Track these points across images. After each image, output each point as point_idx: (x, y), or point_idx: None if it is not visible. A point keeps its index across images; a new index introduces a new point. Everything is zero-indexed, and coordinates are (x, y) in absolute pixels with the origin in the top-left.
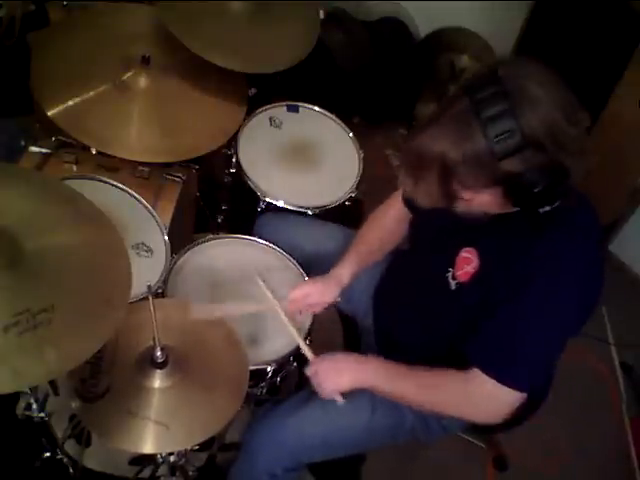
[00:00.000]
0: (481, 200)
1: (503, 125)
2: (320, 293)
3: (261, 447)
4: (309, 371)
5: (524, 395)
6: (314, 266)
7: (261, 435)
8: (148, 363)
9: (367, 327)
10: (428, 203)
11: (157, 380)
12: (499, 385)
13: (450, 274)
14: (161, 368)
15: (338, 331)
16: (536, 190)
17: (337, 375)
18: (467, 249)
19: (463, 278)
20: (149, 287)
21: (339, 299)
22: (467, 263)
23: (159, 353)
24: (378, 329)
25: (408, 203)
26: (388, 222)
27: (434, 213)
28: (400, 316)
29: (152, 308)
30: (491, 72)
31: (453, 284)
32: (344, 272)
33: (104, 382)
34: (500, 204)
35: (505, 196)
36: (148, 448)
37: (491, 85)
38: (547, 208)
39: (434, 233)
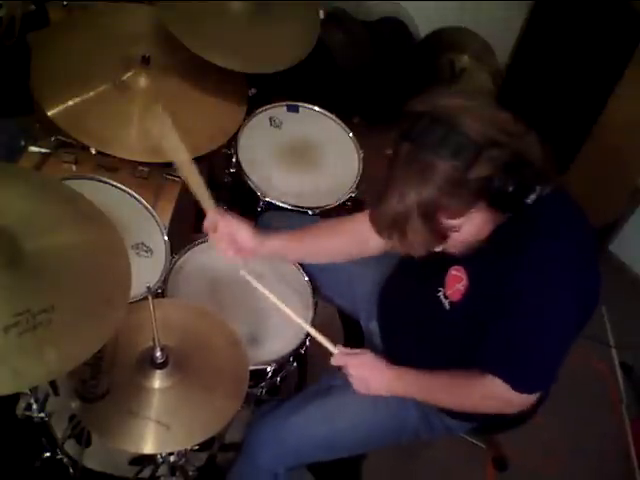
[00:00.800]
0: (472, 223)
1: (452, 142)
2: (225, 224)
3: (263, 445)
4: (338, 361)
5: (536, 396)
6: (314, 266)
7: (263, 433)
8: (148, 363)
9: (372, 330)
10: (424, 250)
11: (157, 380)
12: (513, 391)
13: (441, 293)
14: (161, 368)
15: (338, 331)
16: (514, 185)
17: (371, 381)
18: (455, 267)
19: (455, 297)
20: (148, 288)
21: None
22: (457, 282)
23: (159, 353)
24: (384, 335)
25: None
26: (337, 227)
27: None
28: (402, 327)
29: (152, 308)
30: (413, 115)
31: (447, 303)
32: (268, 238)
33: (104, 383)
34: (490, 219)
35: (490, 207)
36: (148, 448)
37: (419, 121)
38: (533, 197)
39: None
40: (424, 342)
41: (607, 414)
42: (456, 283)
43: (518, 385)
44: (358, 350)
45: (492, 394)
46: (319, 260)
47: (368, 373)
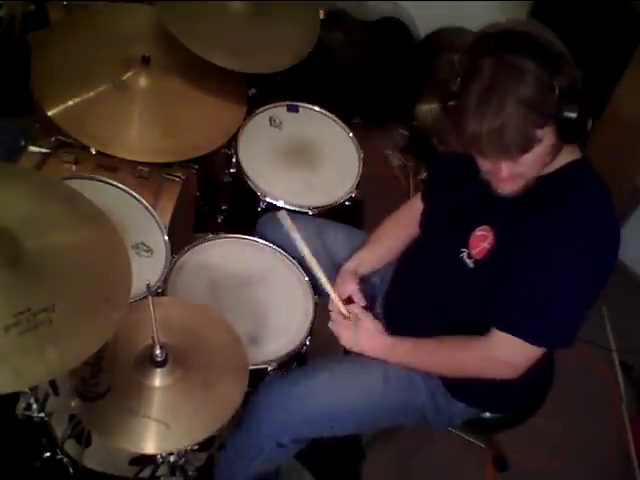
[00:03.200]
0: (539, 149)
1: (536, 49)
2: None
3: (268, 412)
4: (338, 325)
5: (541, 349)
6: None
7: (269, 400)
8: (148, 362)
9: (376, 317)
10: (504, 169)
11: (157, 379)
12: (516, 340)
13: (465, 254)
14: (161, 367)
15: None
16: (578, 111)
17: (366, 345)
18: (481, 227)
19: (479, 255)
20: (148, 286)
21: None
22: (482, 240)
23: (158, 352)
24: (389, 317)
25: (424, 194)
26: (403, 220)
27: (444, 200)
28: (414, 303)
29: (152, 307)
30: (486, 36)
31: (470, 262)
32: (356, 263)
33: (105, 381)
34: (550, 151)
35: (557, 133)
36: (148, 447)
37: (497, 37)
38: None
39: (444, 218)
40: (438, 307)
41: (607, 414)
42: (481, 242)
43: (519, 332)
44: (358, 311)
45: (493, 354)
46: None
47: (363, 342)
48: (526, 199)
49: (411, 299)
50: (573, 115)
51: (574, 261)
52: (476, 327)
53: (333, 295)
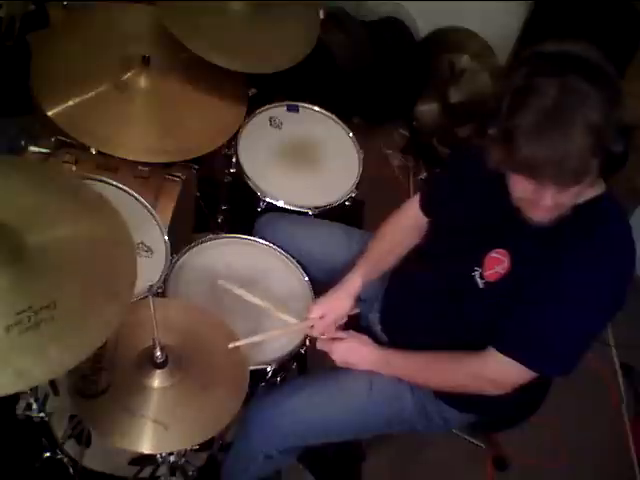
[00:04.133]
0: (590, 177)
1: (600, 75)
2: (333, 310)
3: (257, 426)
4: (323, 346)
5: (534, 374)
6: (314, 266)
7: (258, 414)
8: (148, 362)
9: (372, 320)
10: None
11: (157, 380)
12: (513, 362)
13: (477, 273)
14: (161, 368)
15: None
16: (622, 148)
17: (354, 359)
18: (498, 250)
19: (492, 278)
20: (150, 287)
21: (357, 310)
22: (497, 264)
23: (159, 353)
24: (387, 322)
25: (426, 207)
26: (400, 230)
27: (455, 215)
28: (413, 313)
29: (152, 308)
30: (548, 55)
31: (480, 283)
32: (355, 281)
33: (104, 379)
34: (588, 185)
35: (599, 167)
36: (146, 447)
37: (562, 58)
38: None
39: (456, 235)
40: (438, 320)
41: (607, 414)
42: (495, 265)
43: (534, 363)
44: (342, 334)
45: (485, 372)
46: (396, 261)
47: (352, 358)
48: (550, 228)
49: (410, 309)
50: (620, 149)
51: (591, 296)
52: (473, 343)
53: (317, 335)
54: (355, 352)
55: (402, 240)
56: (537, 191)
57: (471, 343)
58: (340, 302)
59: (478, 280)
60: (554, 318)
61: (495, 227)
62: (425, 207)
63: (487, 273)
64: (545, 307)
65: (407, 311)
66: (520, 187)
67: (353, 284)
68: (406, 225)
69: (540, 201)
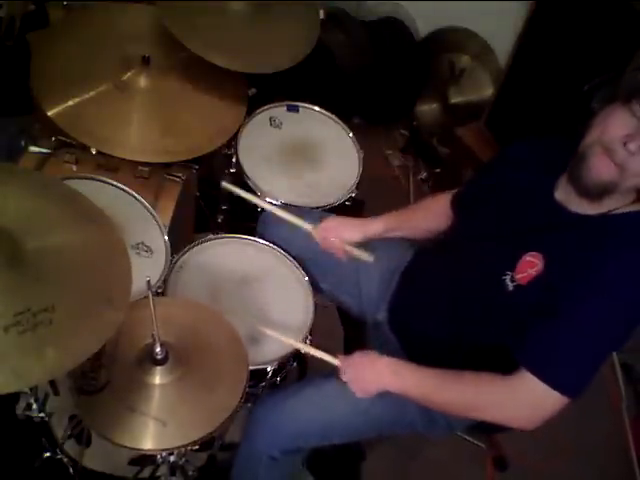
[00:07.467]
0: None
1: None
2: (338, 228)
3: (260, 428)
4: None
5: (568, 400)
6: (314, 266)
7: (261, 416)
8: (148, 359)
9: (379, 320)
10: None
11: (157, 376)
12: (551, 390)
13: (508, 277)
14: (161, 365)
15: (338, 330)
16: None
17: (366, 380)
18: (532, 253)
19: (523, 281)
20: (148, 282)
21: (371, 259)
22: (530, 267)
23: (159, 349)
24: (396, 321)
25: (458, 203)
26: (440, 205)
27: (485, 221)
28: (427, 313)
29: (152, 305)
30: None
31: (510, 285)
32: (375, 224)
33: (104, 376)
34: None
35: None
36: (146, 444)
37: None
38: None
39: (484, 239)
40: (455, 322)
41: (607, 414)
42: (529, 268)
43: (558, 382)
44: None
45: (522, 393)
46: (415, 235)
47: (362, 373)
48: (593, 233)
49: (424, 309)
50: None
51: (628, 309)
52: (488, 349)
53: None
54: (364, 366)
55: (438, 213)
56: (636, 128)
57: (486, 346)
58: (351, 229)
59: (508, 283)
60: (588, 333)
61: (532, 229)
62: (454, 204)
63: (519, 276)
64: (581, 318)
65: (420, 311)
66: (620, 122)
67: (373, 225)
68: (445, 205)
69: (629, 143)
